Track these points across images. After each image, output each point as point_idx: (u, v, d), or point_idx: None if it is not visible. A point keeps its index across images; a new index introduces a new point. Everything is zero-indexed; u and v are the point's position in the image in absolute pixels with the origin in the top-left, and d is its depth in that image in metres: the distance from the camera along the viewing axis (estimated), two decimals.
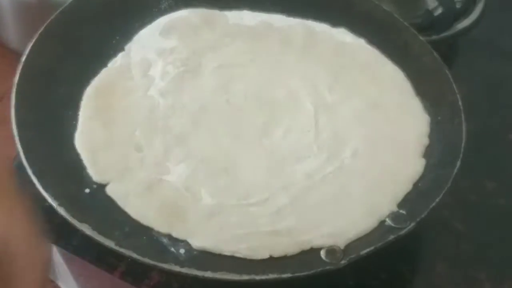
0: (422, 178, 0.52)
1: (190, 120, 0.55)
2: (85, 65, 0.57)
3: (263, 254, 0.46)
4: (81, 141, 0.52)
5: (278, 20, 0.65)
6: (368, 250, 0.45)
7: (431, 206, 0.47)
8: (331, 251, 0.46)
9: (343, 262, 0.44)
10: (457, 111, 0.54)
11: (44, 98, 0.53)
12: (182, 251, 0.46)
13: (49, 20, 0.57)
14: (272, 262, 0.45)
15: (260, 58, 0.61)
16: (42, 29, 0.56)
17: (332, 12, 0.64)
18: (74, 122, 0.53)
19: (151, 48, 0.60)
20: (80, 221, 0.44)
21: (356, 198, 0.50)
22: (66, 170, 0.49)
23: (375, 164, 0.53)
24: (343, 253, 0.45)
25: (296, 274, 0.43)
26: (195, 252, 0.46)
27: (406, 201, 0.50)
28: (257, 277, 0.43)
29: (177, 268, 0.43)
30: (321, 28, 0.64)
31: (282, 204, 0.49)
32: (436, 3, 0.72)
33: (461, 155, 0.50)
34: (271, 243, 0.46)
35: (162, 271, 0.46)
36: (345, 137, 0.55)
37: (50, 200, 0.45)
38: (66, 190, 0.47)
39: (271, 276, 0.43)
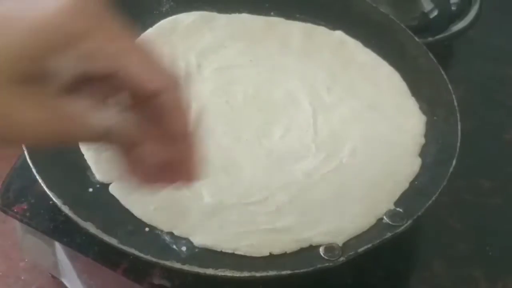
0: (418, 176, 0.52)
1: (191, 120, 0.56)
2: None
3: (263, 252, 0.46)
4: None
5: (277, 22, 0.65)
6: (365, 247, 0.45)
7: (427, 204, 0.48)
8: (329, 248, 0.46)
9: (341, 259, 0.45)
10: (453, 111, 0.55)
11: None
12: (184, 248, 0.46)
13: None
14: (272, 260, 0.46)
15: (259, 60, 0.62)
16: None
17: (330, 14, 0.65)
18: None
19: None
20: (84, 219, 0.45)
21: (354, 197, 0.51)
22: (70, 170, 0.50)
23: (372, 163, 0.53)
24: (341, 251, 0.46)
25: (296, 271, 0.44)
26: (196, 250, 0.46)
27: (403, 199, 0.50)
28: (258, 274, 0.44)
29: (178, 265, 0.44)
30: (319, 30, 0.65)
31: (282, 202, 0.50)
32: (432, 6, 0.72)
33: (456, 154, 0.51)
34: (271, 241, 0.47)
35: (164, 268, 0.47)
36: (343, 136, 0.55)
37: (54, 199, 0.46)
38: (70, 189, 0.48)
39: (271, 273, 0.44)
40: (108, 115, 0.28)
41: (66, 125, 0.27)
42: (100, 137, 0.28)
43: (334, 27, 0.65)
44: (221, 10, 0.65)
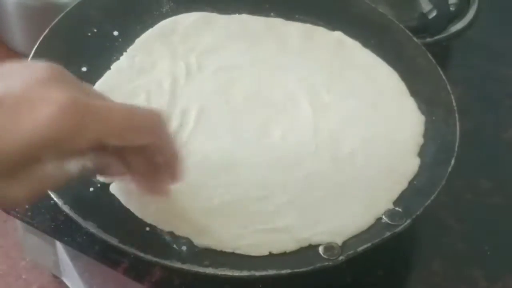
0: (417, 176, 0.53)
1: (190, 121, 0.56)
2: (89, 68, 0.58)
3: (263, 251, 0.47)
4: None
5: (277, 23, 0.66)
6: (365, 246, 0.46)
7: (426, 204, 0.48)
8: (329, 247, 0.46)
9: (340, 258, 0.45)
10: (451, 111, 0.55)
11: None
12: (184, 248, 0.47)
13: (53, 23, 0.58)
14: (271, 259, 0.46)
15: (259, 60, 0.62)
16: (46, 32, 0.57)
17: (329, 15, 0.65)
18: None
19: (152, 51, 0.61)
20: (85, 219, 0.45)
21: (353, 196, 0.51)
22: None
23: (371, 162, 0.54)
24: (340, 250, 0.46)
25: (295, 270, 0.44)
26: (196, 249, 0.47)
27: (402, 199, 0.51)
28: (257, 273, 0.44)
29: (178, 265, 0.44)
30: (318, 31, 0.65)
31: (281, 202, 0.50)
32: (430, 6, 0.72)
33: (455, 154, 0.51)
34: (270, 240, 0.47)
35: (164, 267, 0.47)
36: (342, 136, 0.56)
37: (55, 198, 0.46)
38: (71, 189, 0.47)
39: (271, 272, 0.44)
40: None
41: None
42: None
43: (333, 28, 0.65)
44: (221, 11, 0.66)
